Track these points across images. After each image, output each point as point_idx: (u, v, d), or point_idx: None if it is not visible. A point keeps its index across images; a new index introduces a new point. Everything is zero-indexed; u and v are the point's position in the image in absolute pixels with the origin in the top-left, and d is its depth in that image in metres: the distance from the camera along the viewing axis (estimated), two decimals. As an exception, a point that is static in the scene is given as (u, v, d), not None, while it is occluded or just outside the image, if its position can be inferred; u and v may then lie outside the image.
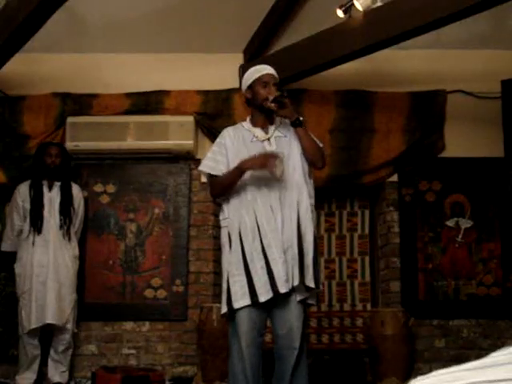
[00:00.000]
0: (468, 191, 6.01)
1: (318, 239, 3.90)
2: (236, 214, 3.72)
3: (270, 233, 3.62)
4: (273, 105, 3.73)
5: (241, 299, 3.60)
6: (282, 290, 3.56)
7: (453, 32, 5.47)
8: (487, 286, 5.93)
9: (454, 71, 6.07)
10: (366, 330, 5.83)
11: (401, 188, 6.05)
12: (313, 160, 3.81)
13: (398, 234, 5.99)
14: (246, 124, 3.91)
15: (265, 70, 3.89)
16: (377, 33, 5.01)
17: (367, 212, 6.40)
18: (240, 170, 3.67)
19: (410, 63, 6.03)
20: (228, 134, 3.90)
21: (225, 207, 3.82)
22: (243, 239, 3.66)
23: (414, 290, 5.90)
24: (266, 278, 3.58)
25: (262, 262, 3.60)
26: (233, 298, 3.62)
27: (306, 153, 3.78)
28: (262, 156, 3.67)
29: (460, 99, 6.06)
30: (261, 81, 3.82)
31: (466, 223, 5.98)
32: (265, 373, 3.75)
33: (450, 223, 5.99)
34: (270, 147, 3.79)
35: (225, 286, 3.70)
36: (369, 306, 6.25)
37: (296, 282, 3.60)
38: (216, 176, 3.81)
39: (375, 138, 6.00)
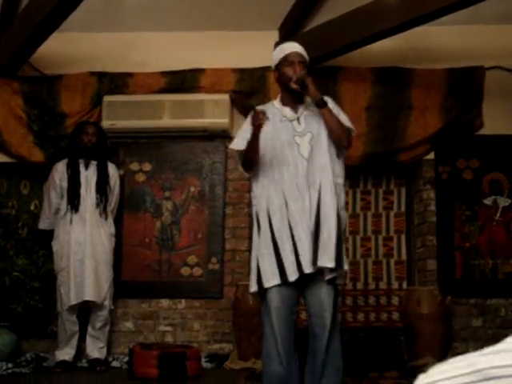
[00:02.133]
0: (506, 169, 5.94)
1: (348, 219, 3.89)
2: (264, 193, 3.75)
3: (296, 212, 3.63)
4: (295, 86, 3.72)
5: (271, 278, 3.63)
6: (307, 270, 3.58)
7: (491, 7, 5.38)
8: (525, 265, 5.87)
9: (492, 47, 5.96)
10: (401, 309, 5.81)
11: (438, 166, 5.99)
12: (337, 140, 3.77)
13: (435, 212, 5.94)
14: (277, 103, 3.91)
15: (290, 48, 3.86)
16: (414, 9, 4.94)
17: (403, 190, 6.36)
18: (253, 133, 3.68)
19: (448, 39, 5.95)
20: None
21: (254, 185, 3.86)
22: (272, 218, 3.68)
23: (450, 268, 5.86)
24: (293, 257, 3.61)
25: (290, 242, 3.62)
26: (263, 278, 3.65)
27: (329, 133, 3.76)
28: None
29: (499, 75, 5.96)
30: (286, 60, 3.81)
31: (504, 201, 5.91)
32: (300, 350, 3.77)
33: (488, 201, 5.92)
34: (300, 126, 3.78)
35: (254, 264, 3.74)
36: (405, 285, 6.22)
37: (321, 263, 3.59)
38: None
39: (412, 115, 5.94)
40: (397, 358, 5.31)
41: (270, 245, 3.66)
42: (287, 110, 3.84)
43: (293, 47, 3.88)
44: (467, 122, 5.96)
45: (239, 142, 3.88)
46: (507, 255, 5.87)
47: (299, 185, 3.67)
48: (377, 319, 6.25)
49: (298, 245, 3.60)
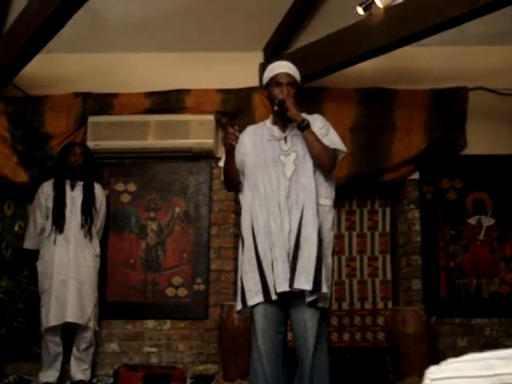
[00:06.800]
0: (490, 189, 5.97)
1: (335, 239, 3.86)
2: (248, 211, 3.73)
3: (274, 232, 3.60)
4: (276, 108, 3.72)
5: (255, 296, 3.61)
6: (279, 289, 3.55)
7: (474, 29, 5.43)
8: (510, 284, 5.88)
9: (475, 68, 6.02)
10: (387, 329, 5.81)
11: (422, 186, 6.02)
12: (318, 163, 3.73)
13: (419, 232, 5.96)
14: (268, 122, 3.91)
15: (279, 68, 3.83)
16: (397, 30, 4.98)
17: (388, 210, 6.38)
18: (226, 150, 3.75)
19: (431, 60, 6.00)
20: (249, 131, 3.92)
21: (241, 202, 3.84)
22: (256, 236, 3.65)
23: (435, 288, 5.87)
24: (272, 276, 3.58)
25: (270, 260, 3.60)
26: (247, 296, 3.63)
27: (311, 156, 3.74)
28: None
29: (481, 96, 6.01)
30: (274, 81, 3.80)
31: (488, 221, 5.94)
32: (289, 371, 3.75)
33: (472, 221, 5.95)
34: (286, 145, 3.78)
35: (239, 282, 3.72)
36: (390, 305, 6.23)
37: (297, 285, 3.55)
38: None
39: (396, 135, 5.97)
40: (382, 378, 5.30)
41: (254, 262, 3.62)
42: (275, 129, 3.83)
43: (281, 67, 3.84)
44: (451, 142, 6.00)
45: (222, 160, 3.89)
46: (492, 274, 5.89)
47: (280, 204, 3.65)
48: (362, 339, 6.24)
49: (275, 264, 3.59)
